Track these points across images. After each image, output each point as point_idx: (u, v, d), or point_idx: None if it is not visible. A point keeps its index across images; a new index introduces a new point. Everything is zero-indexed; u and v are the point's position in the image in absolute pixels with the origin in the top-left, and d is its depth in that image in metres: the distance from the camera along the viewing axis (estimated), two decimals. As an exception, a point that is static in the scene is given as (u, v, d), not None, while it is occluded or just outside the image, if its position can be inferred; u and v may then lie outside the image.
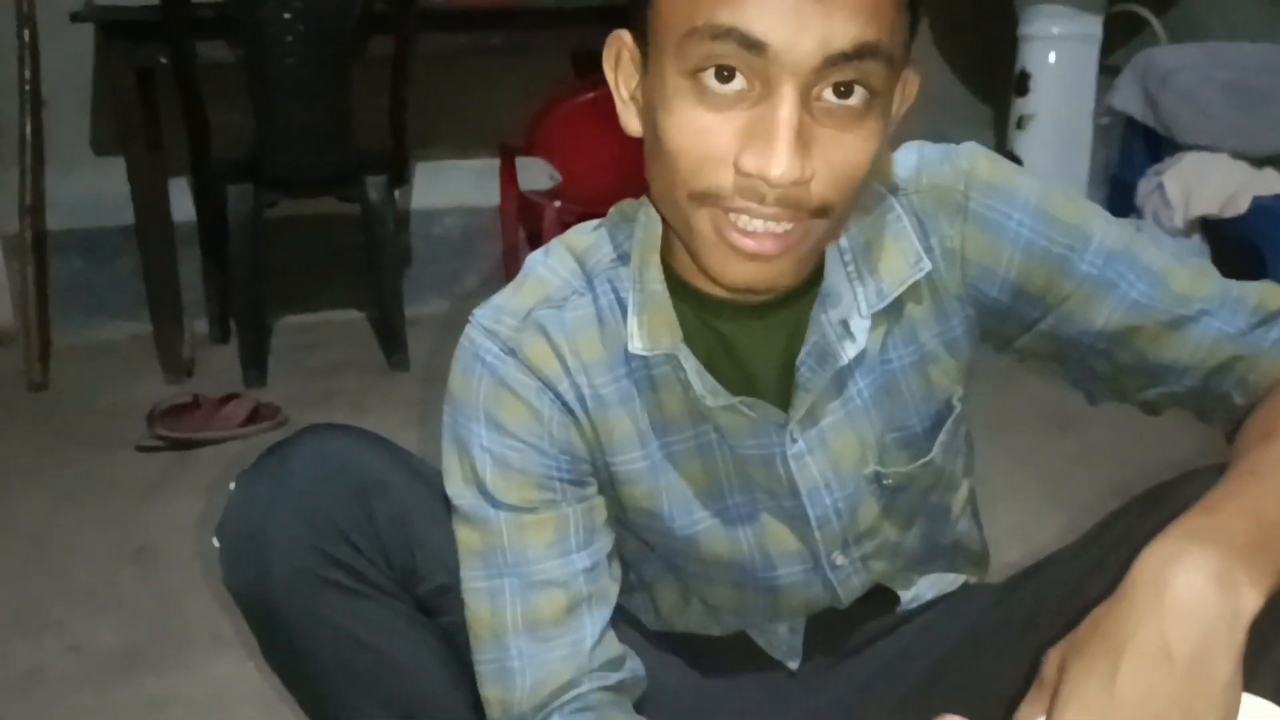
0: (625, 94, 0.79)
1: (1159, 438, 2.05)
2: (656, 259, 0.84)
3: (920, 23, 0.75)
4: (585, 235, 0.89)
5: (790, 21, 0.67)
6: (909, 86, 0.78)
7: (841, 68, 0.68)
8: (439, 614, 0.92)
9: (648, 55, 0.75)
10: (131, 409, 2.42)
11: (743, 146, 0.70)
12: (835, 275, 0.83)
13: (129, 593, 1.77)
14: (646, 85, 0.75)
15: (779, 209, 0.71)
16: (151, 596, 1.75)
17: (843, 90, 0.70)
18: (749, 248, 0.73)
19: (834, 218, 0.74)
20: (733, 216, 0.72)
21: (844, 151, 0.71)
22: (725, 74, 0.70)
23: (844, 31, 0.67)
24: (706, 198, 0.73)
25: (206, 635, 1.63)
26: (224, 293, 2.90)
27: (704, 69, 0.70)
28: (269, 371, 2.71)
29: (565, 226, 0.93)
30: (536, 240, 2.93)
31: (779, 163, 0.68)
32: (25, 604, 1.75)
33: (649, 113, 0.75)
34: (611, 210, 0.88)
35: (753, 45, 0.67)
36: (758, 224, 0.72)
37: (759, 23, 0.67)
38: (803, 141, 0.69)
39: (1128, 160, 2.72)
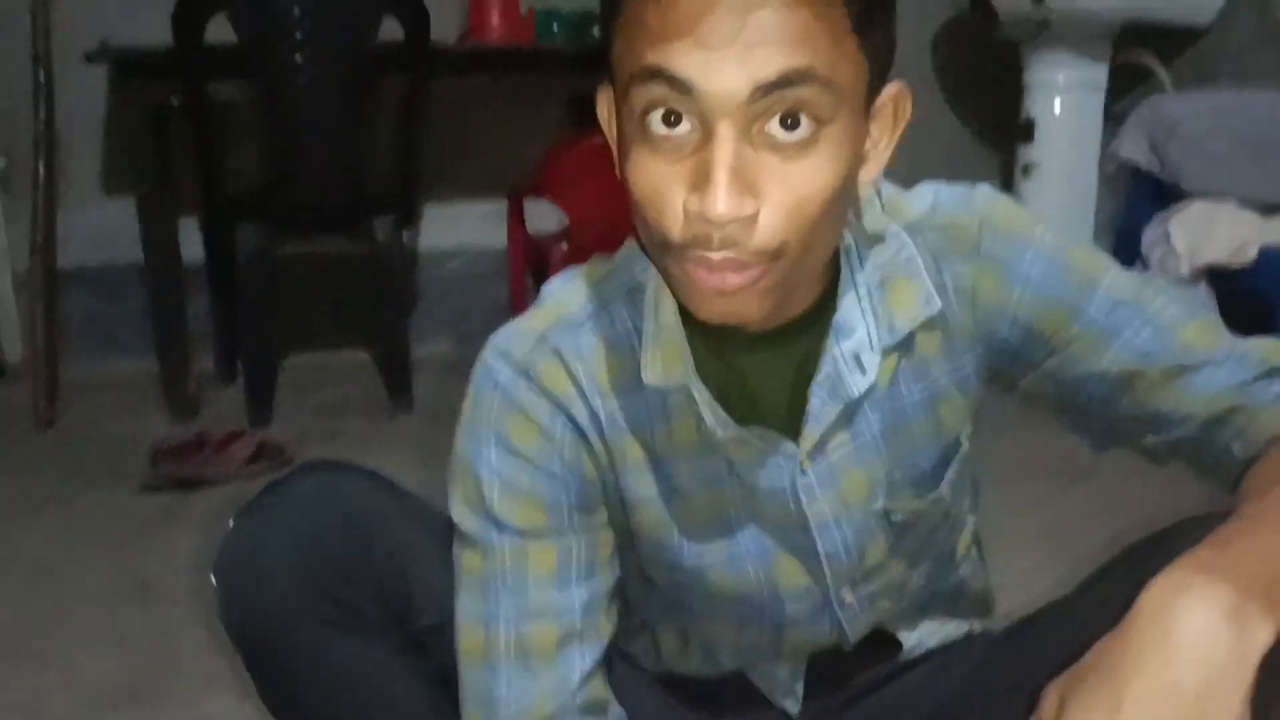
0: (613, 138, 0.79)
1: (1167, 493, 2.04)
2: (669, 291, 0.84)
3: (893, 40, 0.74)
4: (602, 264, 0.90)
5: (712, 56, 0.66)
6: (901, 104, 0.77)
7: (775, 98, 0.67)
8: (432, 654, 0.92)
9: (615, 99, 0.75)
10: (136, 446, 2.42)
11: (689, 191, 0.70)
12: (849, 308, 0.84)
13: (129, 628, 1.76)
14: (618, 127, 0.76)
15: (728, 252, 0.70)
16: (151, 632, 1.75)
17: (788, 122, 0.69)
18: (711, 284, 0.72)
19: (792, 257, 0.72)
20: (693, 257, 0.72)
21: (793, 186, 0.70)
22: (672, 119, 0.70)
23: (768, 61, 0.66)
24: (667, 245, 0.73)
25: (202, 673, 1.62)
26: (231, 331, 2.91)
27: (649, 113, 0.70)
28: (274, 410, 2.71)
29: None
30: (543, 282, 2.94)
31: (717, 200, 0.68)
32: (26, 636, 1.75)
33: (620, 158, 0.76)
34: (627, 241, 0.88)
35: (680, 85, 0.68)
36: (715, 258, 0.71)
37: (682, 62, 0.67)
38: (746, 179, 0.69)
39: (1134, 208, 2.72)
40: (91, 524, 2.15)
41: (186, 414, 2.69)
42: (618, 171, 0.77)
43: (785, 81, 0.67)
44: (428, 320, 3.23)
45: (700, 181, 0.69)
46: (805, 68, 0.67)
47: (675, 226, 0.71)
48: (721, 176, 0.68)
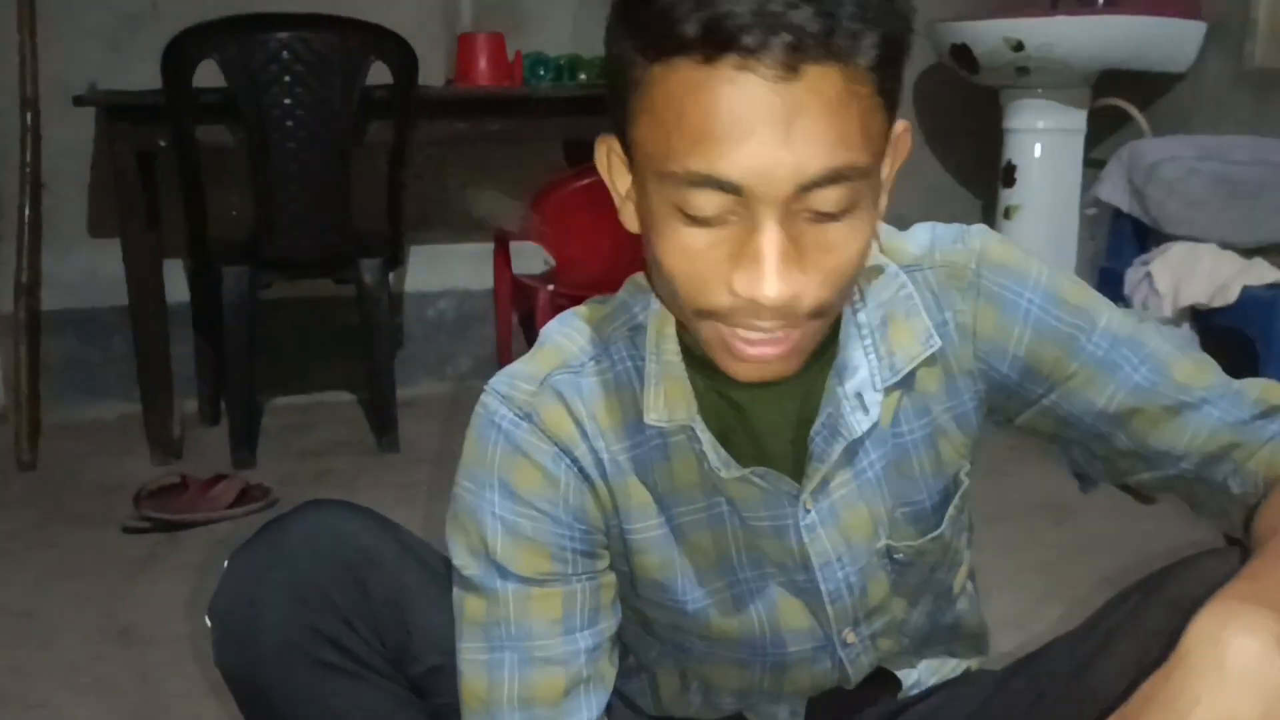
0: (621, 191, 0.79)
1: (1154, 529, 2.06)
2: (672, 330, 0.84)
3: (903, 81, 0.74)
4: (601, 306, 0.89)
5: (762, 161, 0.67)
6: (901, 142, 0.78)
7: (816, 193, 0.68)
8: (431, 695, 0.91)
9: (633, 165, 0.75)
10: (119, 489, 2.40)
11: (733, 268, 0.70)
12: (851, 347, 0.84)
13: (113, 673, 1.74)
14: (637, 191, 0.76)
15: (776, 321, 0.72)
16: (135, 677, 1.72)
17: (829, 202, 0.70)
18: (751, 355, 0.73)
19: (830, 314, 0.74)
20: (740, 325, 0.73)
21: (833, 255, 0.71)
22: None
23: (813, 160, 0.67)
24: (706, 314, 0.73)
25: (188, 717, 1.60)
26: (216, 373, 2.89)
27: (689, 203, 0.70)
28: (259, 452, 2.69)
29: (558, 310, 0.94)
30: (530, 324, 2.95)
31: (769, 287, 0.69)
32: (10, 682, 1.72)
33: (643, 223, 0.76)
34: (626, 282, 0.89)
35: (728, 188, 0.68)
36: (757, 334, 0.72)
37: (732, 169, 0.67)
38: (790, 257, 0.69)
39: (1115, 250, 2.75)
40: (74, 567, 2.12)
41: (170, 456, 2.67)
42: (624, 222, 0.77)
43: (829, 179, 0.68)
44: (414, 361, 3.23)
45: (747, 262, 0.69)
46: (846, 165, 0.68)
47: (720, 300, 0.71)
48: (771, 263, 0.69)
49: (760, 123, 0.66)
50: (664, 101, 0.68)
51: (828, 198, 0.68)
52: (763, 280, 0.69)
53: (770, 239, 0.69)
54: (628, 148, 0.75)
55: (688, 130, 0.67)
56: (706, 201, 0.69)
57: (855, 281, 0.74)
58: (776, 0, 0.64)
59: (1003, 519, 2.20)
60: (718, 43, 0.65)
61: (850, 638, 0.93)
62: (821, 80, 0.66)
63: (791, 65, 0.65)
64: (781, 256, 0.69)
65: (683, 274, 0.72)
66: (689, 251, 0.71)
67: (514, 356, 0.91)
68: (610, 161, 0.79)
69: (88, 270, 2.97)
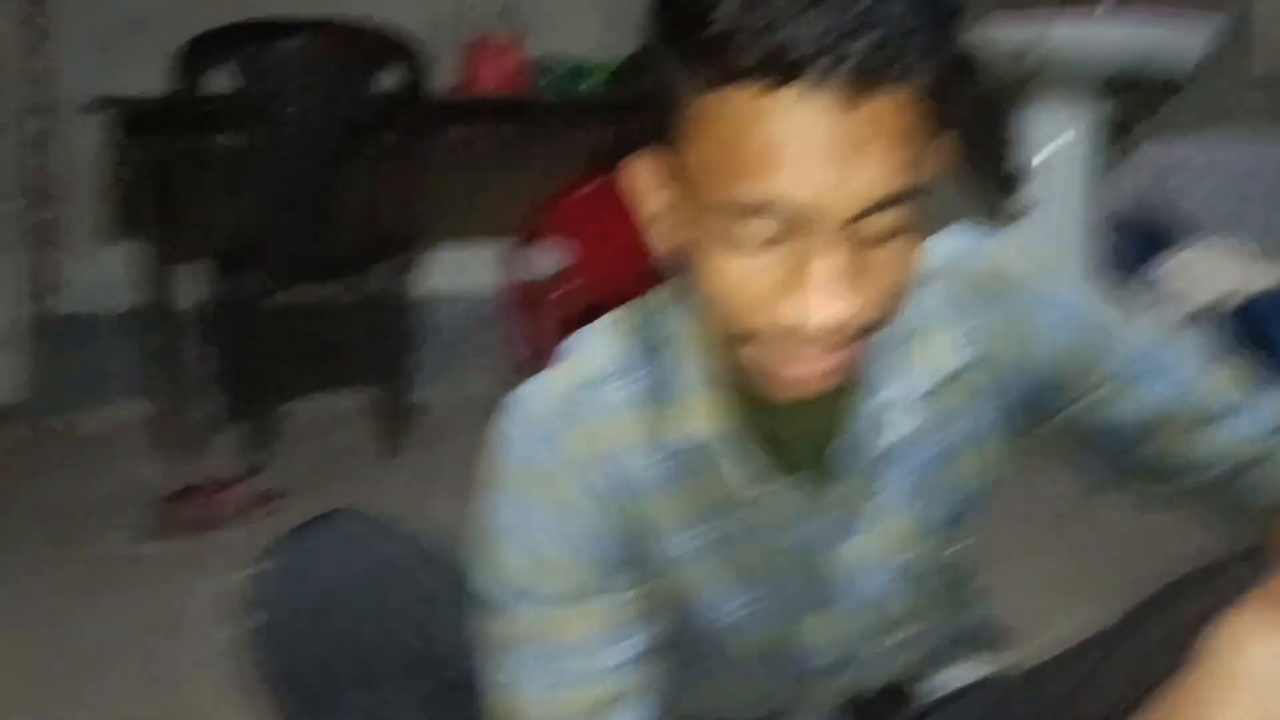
0: (652, 211, 0.77)
1: (1157, 538, 2.05)
2: (701, 345, 0.83)
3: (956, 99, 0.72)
4: (624, 319, 0.88)
5: (821, 190, 0.65)
6: (942, 153, 0.75)
7: (872, 218, 0.67)
8: (454, 708, 0.91)
9: (672, 187, 0.73)
10: (132, 494, 2.42)
11: (783, 293, 0.69)
12: (880, 362, 0.83)
13: (128, 679, 1.74)
14: (675, 213, 0.74)
15: (823, 345, 0.70)
16: (150, 683, 1.73)
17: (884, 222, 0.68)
18: (798, 372, 0.72)
19: (881, 328, 0.73)
20: (790, 348, 0.71)
21: (884, 276, 0.70)
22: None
23: (872, 187, 0.66)
24: (751, 336, 0.72)
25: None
26: (229, 378, 2.91)
27: (742, 228, 0.68)
28: (272, 455, 2.71)
29: (568, 315, 0.93)
30: (538, 328, 2.96)
31: (821, 313, 0.67)
32: (25, 690, 1.73)
33: (681, 245, 0.74)
34: (651, 293, 0.87)
35: (784, 216, 0.66)
36: (804, 351, 0.71)
37: (791, 198, 0.65)
38: (843, 281, 0.68)
39: (1125, 253, 2.75)
40: (86, 573, 2.13)
41: (183, 460, 2.68)
42: (659, 244, 0.76)
43: (888, 202, 0.67)
44: (425, 365, 3.23)
45: (799, 287, 0.68)
46: (904, 188, 0.67)
47: (768, 323, 0.70)
48: (824, 289, 0.67)
49: (821, 152, 0.64)
50: (718, 128, 0.67)
51: (882, 222, 0.67)
52: (815, 306, 0.67)
53: (824, 265, 0.67)
54: (665, 169, 0.73)
55: (745, 158, 0.66)
56: (759, 228, 0.67)
57: (904, 297, 0.73)
58: (839, 27, 0.62)
59: (1008, 525, 2.19)
60: (781, 72, 0.63)
61: (871, 650, 0.92)
62: (883, 107, 0.64)
63: (855, 94, 0.63)
64: (834, 281, 0.67)
65: (729, 298, 0.70)
66: (736, 276, 0.69)
67: (524, 360, 0.90)
68: (641, 180, 0.77)
69: (99, 275, 2.98)
